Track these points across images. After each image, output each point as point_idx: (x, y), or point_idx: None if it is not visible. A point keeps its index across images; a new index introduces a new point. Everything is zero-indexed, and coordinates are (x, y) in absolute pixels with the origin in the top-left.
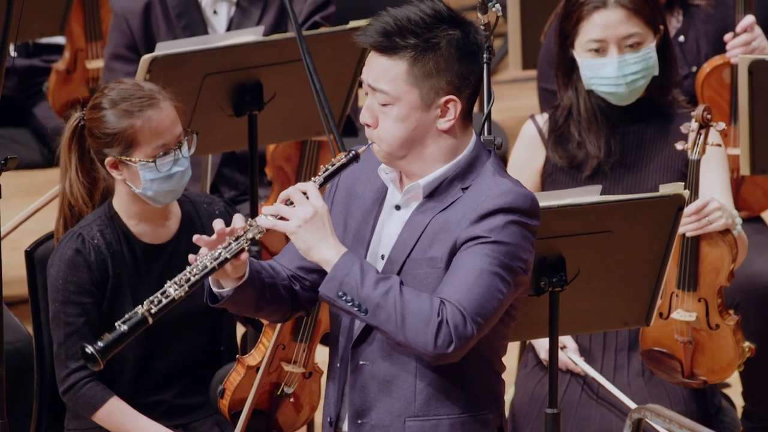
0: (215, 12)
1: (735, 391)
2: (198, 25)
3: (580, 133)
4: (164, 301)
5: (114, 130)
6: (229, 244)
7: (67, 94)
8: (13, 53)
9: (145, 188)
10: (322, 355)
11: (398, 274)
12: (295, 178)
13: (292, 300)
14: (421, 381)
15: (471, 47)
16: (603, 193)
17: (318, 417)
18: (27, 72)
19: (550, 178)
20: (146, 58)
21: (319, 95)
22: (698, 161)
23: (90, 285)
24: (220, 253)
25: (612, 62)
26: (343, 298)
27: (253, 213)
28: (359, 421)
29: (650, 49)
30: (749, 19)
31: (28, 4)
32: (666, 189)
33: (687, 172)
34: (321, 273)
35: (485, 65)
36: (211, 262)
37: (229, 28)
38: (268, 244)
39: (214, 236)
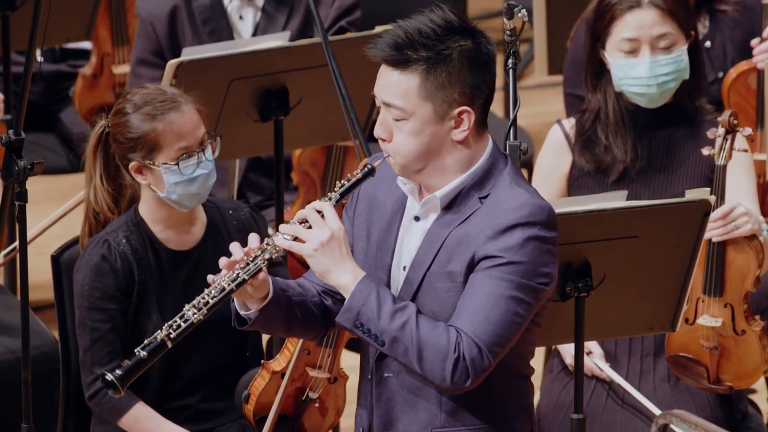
0: (241, 17)
1: (761, 396)
2: (224, 30)
3: (607, 137)
4: (183, 325)
5: (137, 134)
6: (247, 264)
7: (93, 99)
8: (39, 58)
9: (170, 192)
10: (347, 360)
11: (419, 286)
12: (321, 183)
13: (324, 316)
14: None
15: (483, 57)
16: (630, 198)
17: (343, 422)
18: (53, 77)
19: (576, 183)
20: (172, 63)
21: (344, 100)
22: (724, 167)
23: (116, 291)
24: (237, 275)
25: (644, 62)
26: (360, 329)
27: (279, 218)
28: None
29: (682, 52)
30: None
31: (55, 10)
32: (692, 194)
33: (713, 177)
34: None
35: (512, 71)
36: (228, 284)
37: (254, 34)
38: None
39: (232, 258)
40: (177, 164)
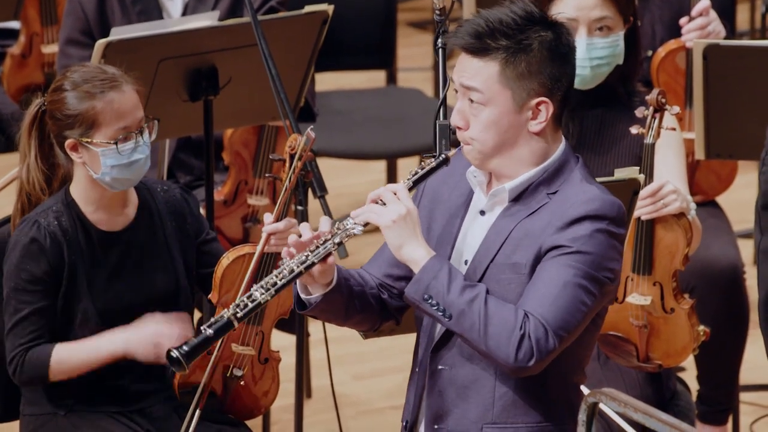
0: None
1: (690, 375)
2: (153, 9)
3: None
4: (250, 305)
5: (75, 111)
6: (317, 247)
7: (22, 78)
8: None
9: (104, 173)
10: (281, 340)
11: (481, 278)
12: (252, 163)
13: (380, 309)
14: (500, 387)
15: (563, 49)
16: None
17: (277, 401)
18: None
19: None
20: (101, 43)
21: (274, 80)
22: (653, 145)
23: (44, 272)
24: (306, 257)
25: (580, 43)
26: (429, 301)
27: (209, 198)
28: (436, 426)
29: (619, 37)
30: (704, 3)
31: None
32: (621, 173)
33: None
34: (408, 281)
35: (441, 50)
36: (297, 266)
37: (184, 13)
38: (225, 229)
39: (303, 238)
40: (115, 144)
